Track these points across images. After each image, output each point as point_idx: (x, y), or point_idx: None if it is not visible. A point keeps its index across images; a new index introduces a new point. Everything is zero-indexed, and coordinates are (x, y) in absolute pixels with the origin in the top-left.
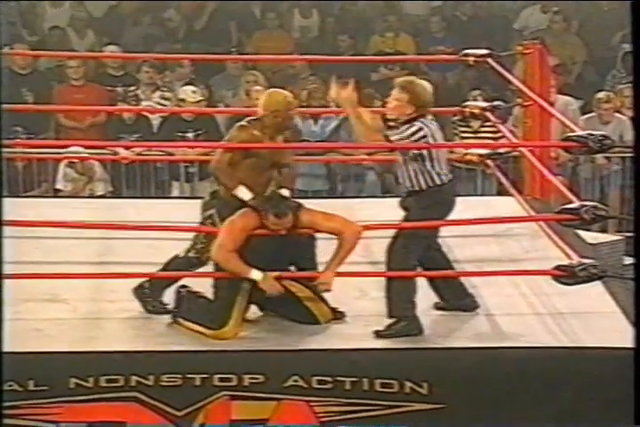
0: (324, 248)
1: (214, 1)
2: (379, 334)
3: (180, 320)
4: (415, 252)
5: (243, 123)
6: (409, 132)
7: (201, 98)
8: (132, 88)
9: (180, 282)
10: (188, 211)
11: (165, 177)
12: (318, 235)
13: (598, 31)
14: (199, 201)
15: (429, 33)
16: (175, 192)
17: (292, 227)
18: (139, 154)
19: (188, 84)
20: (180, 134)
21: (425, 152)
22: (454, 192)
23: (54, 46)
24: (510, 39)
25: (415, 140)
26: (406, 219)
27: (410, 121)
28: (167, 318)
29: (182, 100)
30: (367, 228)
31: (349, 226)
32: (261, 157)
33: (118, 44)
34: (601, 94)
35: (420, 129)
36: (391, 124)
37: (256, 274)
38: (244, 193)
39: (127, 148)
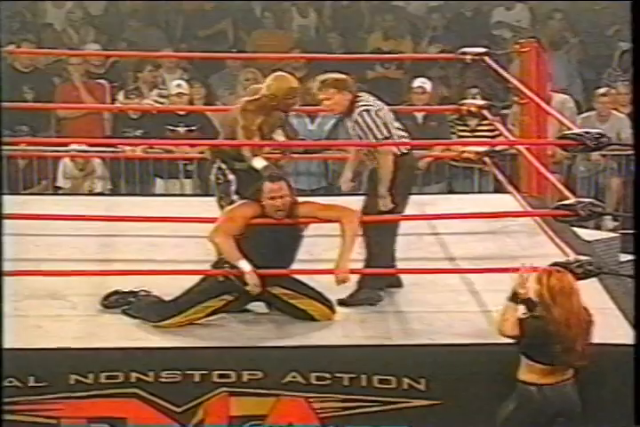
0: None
1: (214, 0)
2: (341, 302)
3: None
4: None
5: (245, 105)
6: (362, 121)
7: (182, 91)
8: (133, 86)
9: None
10: (187, 208)
11: (164, 174)
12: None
13: (593, 29)
14: (198, 199)
15: (427, 31)
16: (175, 189)
17: (290, 217)
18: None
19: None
20: (170, 128)
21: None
22: (413, 162)
23: (51, 43)
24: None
25: (374, 121)
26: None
27: (351, 109)
28: None
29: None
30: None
31: (346, 212)
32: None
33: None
34: (601, 89)
35: (365, 109)
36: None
37: (244, 264)
38: (258, 162)
39: (129, 145)
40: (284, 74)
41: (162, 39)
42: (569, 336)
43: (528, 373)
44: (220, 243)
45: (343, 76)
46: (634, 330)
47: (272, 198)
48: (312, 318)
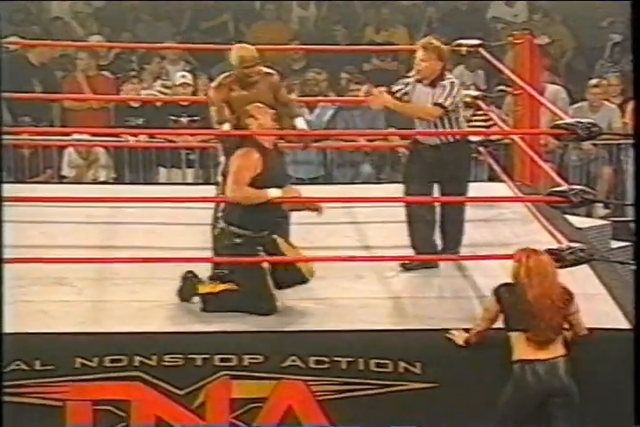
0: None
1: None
2: (405, 267)
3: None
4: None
5: (218, 81)
6: (449, 86)
7: (185, 81)
8: (133, 73)
9: None
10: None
11: (167, 163)
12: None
13: (585, 20)
14: (200, 188)
15: (424, 24)
16: (177, 178)
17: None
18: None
19: (187, 72)
20: (173, 118)
21: None
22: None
23: (57, 37)
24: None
25: (458, 93)
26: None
27: (439, 78)
28: (169, 301)
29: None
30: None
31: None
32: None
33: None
34: (593, 80)
35: (456, 82)
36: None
37: (274, 192)
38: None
39: (132, 134)
40: (242, 44)
41: (165, 32)
42: (539, 316)
43: (519, 348)
44: (244, 198)
45: (446, 48)
46: (634, 329)
47: (252, 117)
48: (301, 277)
